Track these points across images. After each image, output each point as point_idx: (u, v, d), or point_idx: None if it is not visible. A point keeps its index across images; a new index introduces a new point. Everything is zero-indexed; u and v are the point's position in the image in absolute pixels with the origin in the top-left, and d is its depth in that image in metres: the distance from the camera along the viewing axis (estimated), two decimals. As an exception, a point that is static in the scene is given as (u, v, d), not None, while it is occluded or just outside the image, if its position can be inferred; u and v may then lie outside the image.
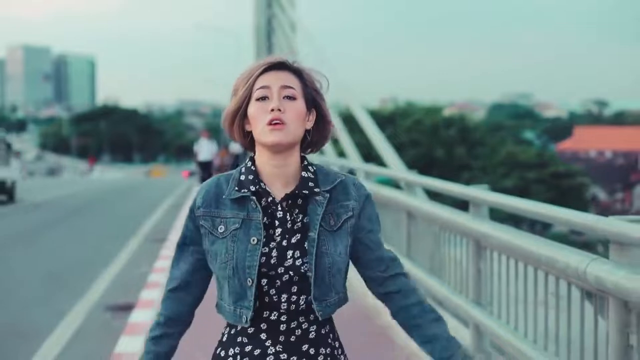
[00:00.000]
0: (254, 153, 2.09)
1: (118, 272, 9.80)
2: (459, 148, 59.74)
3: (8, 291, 8.83)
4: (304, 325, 2.03)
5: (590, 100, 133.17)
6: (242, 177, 2.06)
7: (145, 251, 11.30)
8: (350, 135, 15.98)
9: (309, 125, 2.08)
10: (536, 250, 3.73)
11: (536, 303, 4.04)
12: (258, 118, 2.01)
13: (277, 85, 2.02)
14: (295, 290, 2.01)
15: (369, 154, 16.19)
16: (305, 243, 2.01)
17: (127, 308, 7.29)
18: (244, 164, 2.10)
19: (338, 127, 16.07)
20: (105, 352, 5.63)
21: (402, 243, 7.06)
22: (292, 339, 2.03)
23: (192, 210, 2.09)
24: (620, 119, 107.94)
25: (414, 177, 7.50)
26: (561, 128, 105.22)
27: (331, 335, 2.09)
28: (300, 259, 2.00)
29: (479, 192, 4.99)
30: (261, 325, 2.03)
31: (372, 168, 10.15)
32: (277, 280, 1.99)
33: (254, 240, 1.99)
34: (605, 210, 63.84)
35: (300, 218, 2.04)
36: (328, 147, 17.94)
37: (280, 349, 2.02)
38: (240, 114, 2.06)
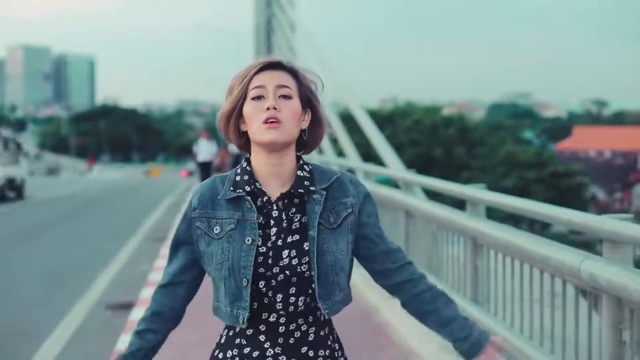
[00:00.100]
0: (249, 154, 2.09)
1: (118, 271, 9.84)
2: (458, 148, 59.74)
3: (8, 291, 8.87)
4: (303, 327, 2.02)
5: (589, 100, 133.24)
6: (238, 178, 2.06)
7: (145, 250, 11.34)
8: (349, 135, 15.99)
9: (305, 124, 2.07)
10: (531, 248, 3.78)
11: (532, 300, 4.10)
12: (254, 117, 2.01)
13: (272, 84, 2.02)
14: (293, 292, 1.99)
15: (368, 154, 16.20)
16: (305, 243, 2.00)
17: (128, 306, 7.33)
18: (239, 165, 2.10)
19: (337, 127, 16.08)
20: (105, 351, 5.64)
21: (401, 242, 7.11)
22: (291, 341, 2.02)
23: (187, 212, 2.09)
24: (620, 119, 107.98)
25: (412, 176, 7.55)
26: (560, 128, 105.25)
27: (331, 337, 2.09)
28: (296, 259, 1.99)
29: (475, 192, 5.05)
30: (260, 327, 2.02)
31: (371, 168, 10.19)
32: (273, 280, 1.98)
33: (248, 240, 1.99)
34: (604, 210, 63.89)
35: (298, 218, 2.03)
36: (327, 146, 17.95)
37: (279, 351, 2.01)
38: (236, 113, 2.06)
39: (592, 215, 3.33)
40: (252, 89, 2.03)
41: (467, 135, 62.36)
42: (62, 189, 30.77)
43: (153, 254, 10.61)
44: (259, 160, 2.05)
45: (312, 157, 14.43)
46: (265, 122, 1.99)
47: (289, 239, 2.01)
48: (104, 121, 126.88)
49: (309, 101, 2.08)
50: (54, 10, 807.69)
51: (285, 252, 1.99)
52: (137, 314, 6.89)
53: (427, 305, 2.12)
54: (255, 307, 2.00)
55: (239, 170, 2.08)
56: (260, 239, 2.00)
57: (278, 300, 1.99)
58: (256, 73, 2.04)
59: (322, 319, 2.04)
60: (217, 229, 2.03)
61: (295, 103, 2.03)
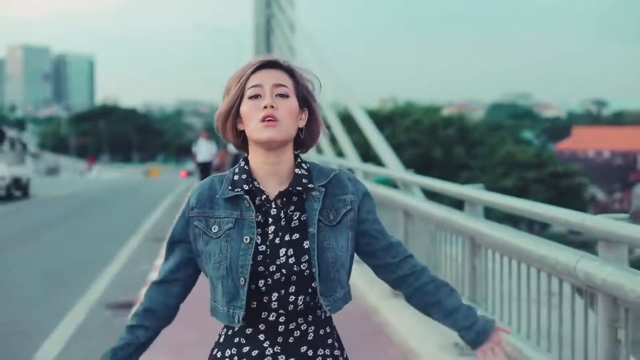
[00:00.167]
0: (247, 153, 2.09)
1: (118, 270, 9.88)
2: (457, 148, 59.75)
3: (10, 290, 8.90)
4: (303, 327, 2.02)
5: (589, 100, 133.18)
6: (236, 177, 2.06)
7: (146, 250, 11.37)
8: (348, 135, 16.00)
9: (302, 123, 2.08)
10: (528, 247, 3.82)
11: (529, 300, 4.13)
12: (251, 116, 2.01)
13: (269, 83, 2.02)
14: (293, 290, 1.99)
15: (367, 154, 16.22)
16: (305, 241, 2.00)
17: (128, 306, 7.36)
18: (237, 165, 2.10)
19: (337, 127, 16.10)
20: (106, 350, 5.68)
21: (400, 242, 7.13)
22: (291, 340, 2.01)
23: (185, 211, 2.09)
24: (619, 119, 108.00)
25: (411, 176, 7.58)
26: (560, 128, 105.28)
27: (331, 336, 2.08)
28: (293, 257, 1.99)
29: (473, 192, 5.08)
30: (259, 326, 2.02)
31: (370, 168, 10.23)
32: (269, 279, 1.98)
33: (246, 239, 1.98)
34: (604, 210, 63.90)
35: (297, 216, 2.02)
36: (327, 146, 17.97)
37: (279, 350, 2.01)
38: (233, 113, 2.05)
39: (588, 215, 3.36)
40: (249, 88, 2.03)
41: (466, 135, 62.37)
42: (64, 189, 31.23)
43: (153, 253, 10.63)
44: (256, 159, 2.05)
45: (311, 157, 14.45)
46: (263, 120, 1.99)
47: (287, 238, 2.01)
48: (103, 121, 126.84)
49: (305, 100, 2.08)
50: (53, 10, 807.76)
51: (283, 251, 1.99)
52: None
53: (430, 297, 2.12)
54: (254, 306, 2.00)
55: (237, 170, 2.08)
56: (259, 237, 1.99)
57: (274, 299, 1.99)
58: (253, 72, 2.05)
59: (322, 317, 2.04)
60: (215, 228, 2.03)
61: (293, 102, 2.04)
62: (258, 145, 2.03)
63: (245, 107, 2.03)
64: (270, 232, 2.01)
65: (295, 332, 2.01)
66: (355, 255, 2.14)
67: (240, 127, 2.07)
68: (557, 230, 45.70)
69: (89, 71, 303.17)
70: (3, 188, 23.55)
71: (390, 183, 9.35)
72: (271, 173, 2.05)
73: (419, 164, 49.29)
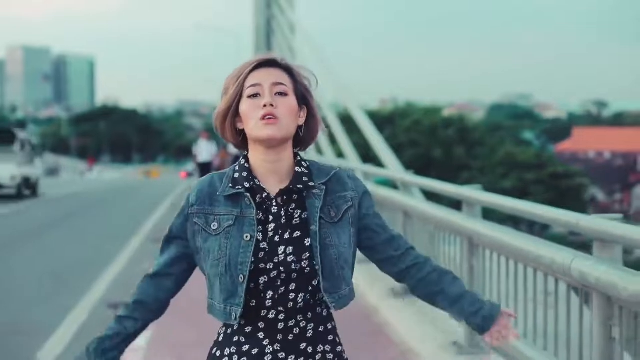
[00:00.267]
0: (247, 152, 2.10)
1: (120, 270, 9.92)
2: (458, 148, 59.75)
3: (12, 290, 8.94)
4: (302, 324, 2.02)
5: (589, 101, 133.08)
6: (236, 175, 2.06)
7: (146, 250, 11.38)
8: (348, 136, 16.04)
9: (301, 121, 2.09)
10: (525, 247, 3.87)
11: (526, 299, 4.18)
12: (250, 115, 2.02)
13: (268, 82, 2.03)
14: (293, 288, 2.00)
15: (367, 155, 16.26)
16: (306, 239, 2.00)
17: (129, 306, 7.39)
18: (237, 163, 2.11)
19: (337, 128, 16.13)
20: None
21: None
22: (290, 337, 2.02)
23: (185, 207, 2.10)
24: (619, 120, 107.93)
25: (410, 177, 7.64)
26: (560, 129, 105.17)
27: (332, 333, 2.09)
28: (292, 255, 1.99)
29: (471, 192, 5.13)
30: (259, 324, 2.02)
31: (370, 168, 10.28)
32: (265, 276, 1.99)
33: (247, 236, 1.99)
34: (604, 211, 63.85)
35: (298, 214, 2.03)
36: (327, 147, 18.01)
37: (278, 348, 2.01)
38: (232, 112, 2.06)
39: (583, 215, 3.42)
40: (248, 87, 2.04)
41: (466, 135, 62.35)
42: (67, 188, 31.80)
43: (154, 254, 10.56)
44: (256, 157, 2.06)
45: (312, 158, 14.45)
46: (263, 118, 2.00)
47: (287, 236, 2.01)
48: (104, 122, 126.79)
49: (304, 98, 2.09)
50: (54, 10, 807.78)
51: (281, 249, 2.00)
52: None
53: (434, 286, 2.13)
54: (254, 304, 2.01)
55: (237, 168, 2.08)
56: (260, 234, 2.00)
57: (269, 296, 2.00)
58: (251, 71, 2.05)
59: (322, 314, 2.05)
60: (214, 225, 2.03)
61: (292, 100, 2.04)
62: (258, 143, 2.04)
63: (245, 106, 2.04)
64: (270, 229, 2.01)
65: (294, 330, 2.02)
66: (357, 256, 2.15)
67: (239, 126, 2.08)
68: (557, 231, 45.75)
69: (89, 72, 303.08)
70: (14, 187, 24.48)
71: (390, 184, 9.40)
72: (271, 171, 2.05)
73: (419, 165, 49.30)
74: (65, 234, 14.78)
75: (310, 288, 2.01)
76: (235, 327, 2.04)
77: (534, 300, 4.06)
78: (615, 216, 3.19)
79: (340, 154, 18.94)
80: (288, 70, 2.08)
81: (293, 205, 2.04)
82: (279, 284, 1.99)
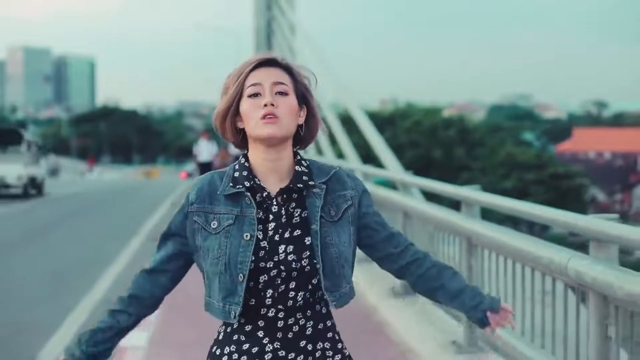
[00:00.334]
0: (247, 151, 2.10)
1: (121, 270, 9.95)
2: (458, 149, 59.79)
3: (13, 290, 8.97)
4: (301, 322, 2.03)
5: (589, 102, 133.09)
6: (236, 174, 2.07)
7: (147, 250, 11.39)
8: (348, 136, 16.08)
9: (301, 120, 2.10)
10: (522, 247, 3.91)
11: (524, 298, 4.22)
12: (251, 114, 2.02)
13: (269, 81, 2.03)
14: (293, 286, 2.01)
15: (368, 156, 16.30)
16: (307, 237, 2.01)
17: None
18: (237, 161, 2.11)
19: (337, 128, 16.18)
20: (114, 349, 5.74)
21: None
22: (290, 335, 2.03)
23: (185, 205, 2.10)
24: (620, 120, 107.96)
25: (410, 178, 7.68)
26: (560, 129, 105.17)
27: (331, 330, 2.10)
28: (292, 254, 2.00)
29: (470, 193, 5.17)
30: (259, 323, 2.03)
31: (370, 169, 10.32)
32: (265, 275, 2.00)
33: (247, 236, 2.00)
34: (604, 212, 63.86)
35: (298, 213, 2.04)
36: (327, 148, 18.05)
37: (278, 346, 2.02)
38: (232, 111, 2.07)
39: (580, 215, 3.46)
40: (249, 86, 2.04)
41: (467, 136, 62.38)
42: (67, 189, 32.31)
43: (154, 253, 10.68)
44: (256, 156, 2.07)
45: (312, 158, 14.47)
46: (263, 118, 2.01)
47: (287, 234, 2.02)
48: (104, 122, 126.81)
49: (304, 97, 2.10)
50: (54, 11, 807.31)
51: (282, 247, 2.01)
52: (145, 316, 6.99)
53: (434, 282, 2.15)
54: (253, 303, 2.02)
55: (237, 166, 2.09)
56: (260, 233, 2.01)
57: (274, 295, 2.01)
58: (251, 70, 2.06)
59: (321, 312, 2.07)
60: (214, 224, 2.03)
61: (292, 99, 2.05)
62: (258, 142, 2.05)
63: (245, 105, 2.04)
64: (270, 228, 2.02)
65: (294, 327, 2.03)
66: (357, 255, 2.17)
67: (239, 125, 2.08)
68: (557, 231, 45.77)
69: (89, 72, 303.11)
70: (20, 187, 25.29)
71: (390, 184, 9.43)
72: (271, 170, 2.07)
73: (420, 165, 49.34)
74: (66, 233, 14.83)
75: (310, 286, 2.02)
76: (235, 326, 2.05)
77: (531, 299, 4.10)
78: (611, 216, 3.23)
79: (340, 155, 18.97)
80: (288, 69, 2.09)
81: (293, 204, 2.05)
82: (278, 282, 2.01)
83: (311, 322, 2.05)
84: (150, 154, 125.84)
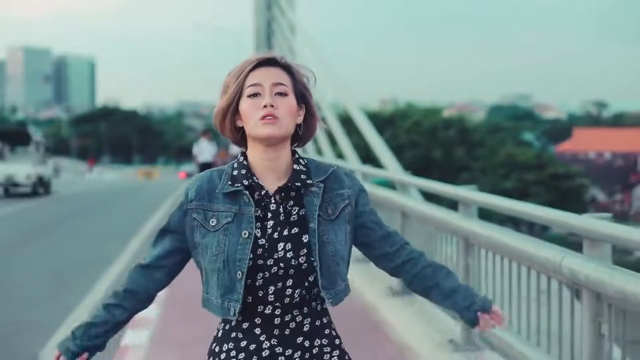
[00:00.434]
0: (246, 148, 2.12)
1: (121, 270, 9.99)
2: (458, 149, 59.80)
3: (14, 289, 9.01)
4: (298, 318, 2.05)
5: (589, 102, 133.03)
6: (235, 172, 2.08)
7: (147, 250, 11.47)
8: (348, 137, 16.11)
9: (300, 119, 2.11)
10: (518, 246, 3.96)
11: (520, 296, 4.26)
12: (250, 114, 2.04)
13: (268, 82, 2.04)
14: (290, 284, 2.02)
15: (367, 156, 16.33)
16: (304, 235, 2.03)
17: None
18: (235, 160, 2.12)
19: (337, 129, 16.20)
20: (111, 346, 5.78)
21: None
22: (287, 332, 2.04)
23: (184, 202, 2.11)
24: (620, 121, 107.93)
25: (408, 178, 7.71)
26: (560, 129, 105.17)
27: (328, 327, 2.12)
28: (291, 252, 2.02)
29: (467, 192, 5.21)
30: (255, 320, 2.04)
31: (369, 169, 10.35)
32: (266, 272, 2.01)
33: (245, 233, 2.01)
34: (604, 212, 63.79)
35: (296, 211, 2.05)
36: (326, 148, 18.08)
37: (275, 343, 2.04)
38: (232, 110, 2.08)
39: (574, 214, 3.50)
40: (248, 86, 2.05)
41: (467, 136, 62.40)
42: (67, 189, 32.58)
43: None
44: (255, 154, 2.08)
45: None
46: (263, 118, 2.02)
47: (285, 232, 2.04)
48: (104, 123, 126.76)
49: (303, 96, 2.11)
50: (54, 11, 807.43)
51: (281, 245, 2.03)
52: (141, 312, 7.04)
53: (429, 281, 2.17)
54: (250, 300, 2.04)
55: (235, 165, 2.10)
56: (259, 231, 2.03)
57: (271, 292, 2.02)
58: (251, 70, 2.07)
59: (318, 309, 2.09)
60: (213, 222, 2.05)
61: (291, 100, 2.06)
62: (257, 141, 2.06)
63: (245, 105, 2.06)
64: (269, 226, 2.04)
65: (290, 324, 2.05)
66: (354, 254, 2.18)
67: (239, 123, 2.10)
68: (557, 232, 45.77)
69: (89, 72, 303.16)
70: (29, 186, 26.32)
71: (390, 185, 9.47)
72: (270, 169, 2.08)
73: (420, 166, 49.41)
74: (66, 233, 14.88)
75: (306, 284, 2.04)
76: (233, 323, 2.07)
77: (527, 297, 4.14)
78: (604, 215, 3.27)
79: (340, 155, 19.01)
80: (287, 68, 2.10)
81: (291, 202, 2.07)
82: (276, 280, 2.02)
83: (308, 319, 2.07)
84: (150, 154, 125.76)
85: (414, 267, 2.18)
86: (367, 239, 2.16)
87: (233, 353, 2.06)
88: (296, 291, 2.04)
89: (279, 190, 2.07)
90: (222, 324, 2.12)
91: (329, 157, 17.37)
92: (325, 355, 2.10)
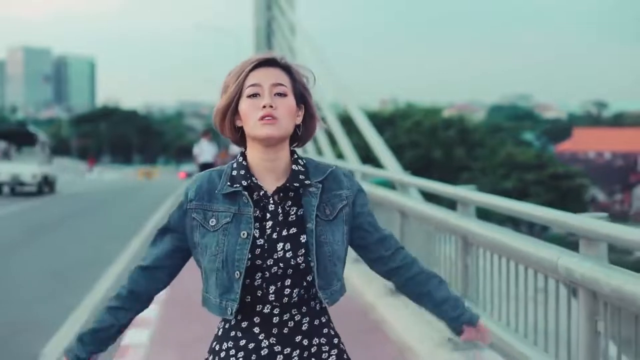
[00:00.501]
0: (245, 148, 2.12)
1: (121, 270, 10.02)
2: (458, 149, 59.83)
3: (14, 289, 9.04)
4: (297, 317, 2.06)
5: (589, 102, 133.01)
6: (234, 172, 2.08)
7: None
8: (348, 137, 16.13)
9: (299, 120, 2.11)
10: (515, 245, 3.99)
11: (517, 295, 4.29)
12: (250, 115, 2.04)
13: (268, 82, 2.04)
14: (288, 284, 2.03)
15: (367, 156, 16.36)
16: (302, 235, 2.03)
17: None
18: (235, 160, 2.12)
19: (336, 129, 16.22)
20: (112, 346, 5.80)
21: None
22: (285, 331, 2.05)
23: (183, 202, 2.11)
24: (620, 121, 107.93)
25: (408, 178, 7.74)
26: (560, 129, 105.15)
27: (327, 326, 2.12)
28: (290, 252, 2.02)
29: (466, 192, 5.24)
30: (254, 319, 2.05)
31: (368, 169, 10.38)
32: (266, 272, 2.02)
33: (244, 234, 2.02)
34: (603, 211, 63.70)
35: (294, 211, 2.06)
36: (326, 148, 18.09)
37: (274, 342, 2.04)
38: (231, 109, 2.08)
39: (570, 214, 3.53)
40: (248, 86, 2.05)
41: (467, 136, 62.44)
42: (68, 189, 32.68)
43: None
44: (254, 155, 2.08)
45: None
46: (262, 119, 2.02)
47: (284, 232, 2.05)
48: (104, 123, 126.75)
49: (302, 97, 2.11)
50: (54, 11, 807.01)
51: (280, 245, 2.03)
52: (142, 312, 7.06)
53: (421, 287, 2.21)
54: (249, 300, 2.05)
55: (234, 165, 2.10)
56: (257, 231, 2.04)
57: (271, 291, 2.03)
58: (251, 70, 2.07)
59: (316, 308, 2.10)
60: (212, 221, 2.05)
61: (290, 100, 2.07)
62: (256, 141, 2.07)
63: (244, 105, 2.06)
64: (268, 227, 2.05)
65: (289, 323, 2.06)
66: (352, 254, 2.22)
67: (238, 123, 2.10)
68: (557, 232, 45.78)
69: (89, 72, 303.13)
70: (35, 185, 27.12)
71: (389, 185, 9.50)
72: (269, 169, 2.09)
73: (420, 166, 49.43)
74: (67, 233, 14.90)
75: (304, 283, 2.05)
76: (233, 322, 2.09)
77: (525, 296, 4.17)
78: (600, 215, 3.30)
79: (340, 155, 19.03)
80: (287, 69, 2.10)
81: (289, 203, 2.08)
82: (276, 279, 2.03)
83: (307, 318, 2.08)
84: (150, 154, 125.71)
85: (408, 272, 2.21)
86: (364, 241, 2.18)
87: (232, 352, 2.08)
88: (295, 291, 2.05)
89: (278, 190, 2.08)
90: (223, 323, 2.13)
91: (329, 157, 17.38)
92: (324, 354, 2.11)
